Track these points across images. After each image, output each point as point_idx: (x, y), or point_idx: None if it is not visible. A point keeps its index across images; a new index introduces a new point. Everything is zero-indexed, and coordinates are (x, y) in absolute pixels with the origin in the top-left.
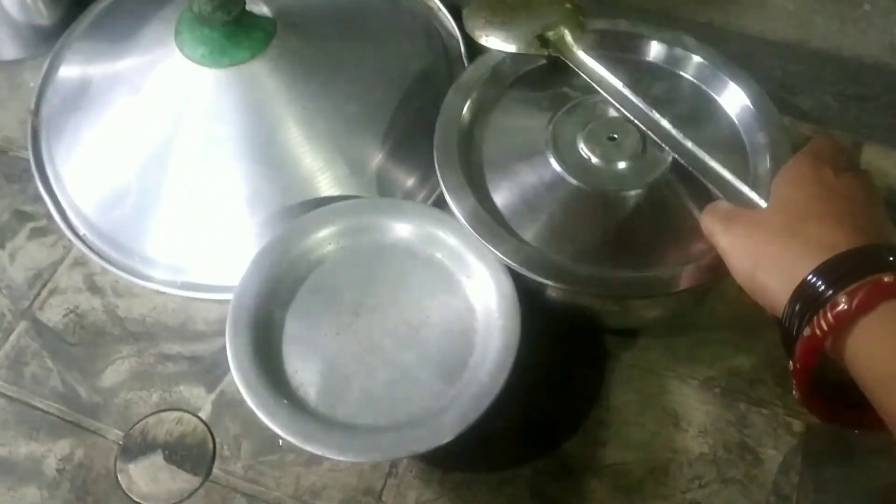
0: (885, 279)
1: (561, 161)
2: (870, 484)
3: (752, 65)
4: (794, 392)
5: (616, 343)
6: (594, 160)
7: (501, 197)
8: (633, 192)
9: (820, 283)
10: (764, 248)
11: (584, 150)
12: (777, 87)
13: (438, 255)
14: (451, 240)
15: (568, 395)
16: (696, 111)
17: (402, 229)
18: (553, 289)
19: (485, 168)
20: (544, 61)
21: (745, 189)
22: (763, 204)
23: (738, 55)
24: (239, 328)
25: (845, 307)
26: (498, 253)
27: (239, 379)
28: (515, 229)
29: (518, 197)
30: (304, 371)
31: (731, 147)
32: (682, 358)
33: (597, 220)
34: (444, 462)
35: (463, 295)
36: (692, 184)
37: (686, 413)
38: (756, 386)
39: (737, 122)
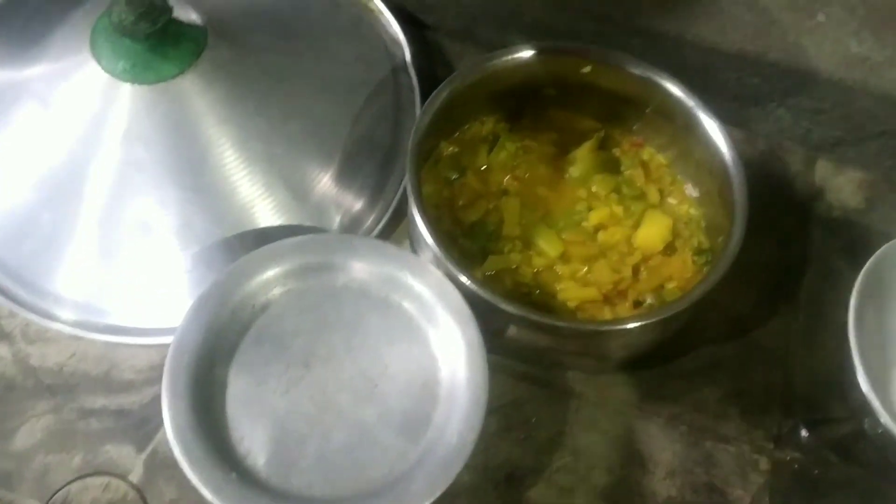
0: None
1: None
2: None
3: (707, 76)
4: None
5: (580, 380)
6: None
7: None
8: None
9: None
10: None
11: None
12: (730, 100)
13: (397, 299)
14: (411, 281)
15: (531, 438)
16: None
17: (358, 269)
18: (515, 328)
19: None
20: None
21: None
22: None
23: (694, 66)
24: (177, 391)
25: None
26: None
27: (179, 451)
28: None
29: None
30: (252, 437)
31: None
32: (648, 394)
33: None
34: None
35: (424, 343)
36: None
37: (653, 454)
38: (721, 422)
39: None
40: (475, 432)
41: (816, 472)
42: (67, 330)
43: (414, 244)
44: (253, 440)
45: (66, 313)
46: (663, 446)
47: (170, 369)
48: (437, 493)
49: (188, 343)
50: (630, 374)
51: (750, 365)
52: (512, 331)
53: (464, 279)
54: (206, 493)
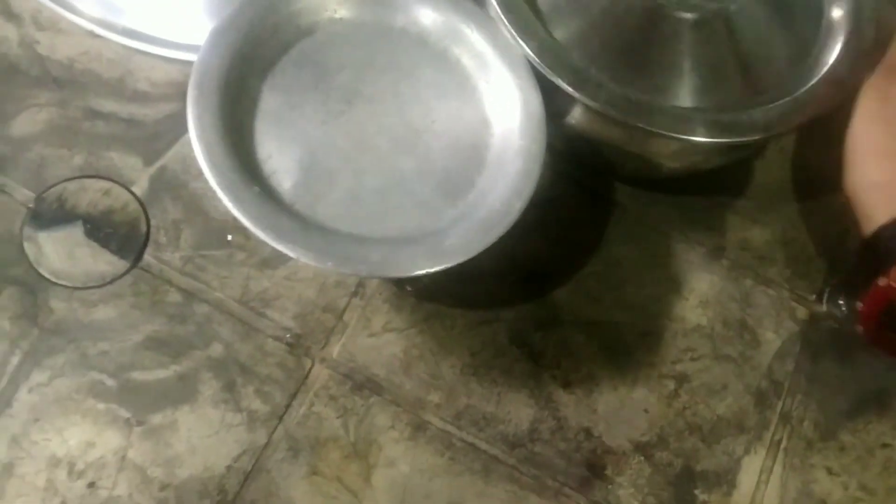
0: None
1: None
2: (863, 383)
3: None
4: (858, 329)
5: (626, 193)
6: None
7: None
8: (697, 14)
9: None
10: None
11: None
12: None
13: (457, 52)
14: (475, 36)
15: (565, 240)
16: None
17: (420, 14)
18: (575, 118)
19: None
20: None
21: None
22: None
23: None
24: (205, 90)
25: None
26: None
27: (201, 151)
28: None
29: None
30: (280, 157)
31: None
32: (694, 221)
33: (657, 42)
34: (417, 289)
35: (478, 103)
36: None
37: (689, 280)
38: (766, 264)
39: None
40: (522, 201)
41: (851, 332)
42: (83, 24)
43: None
44: (280, 161)
45: (83, 4)
46: (701, 276)
47: (199, 66)
48: (473, 253)
49: (222, 44)
50: (679, 196)
51: (811, 213)
52: (570, 119)
53: (524, 45)
54: (226, 199)
